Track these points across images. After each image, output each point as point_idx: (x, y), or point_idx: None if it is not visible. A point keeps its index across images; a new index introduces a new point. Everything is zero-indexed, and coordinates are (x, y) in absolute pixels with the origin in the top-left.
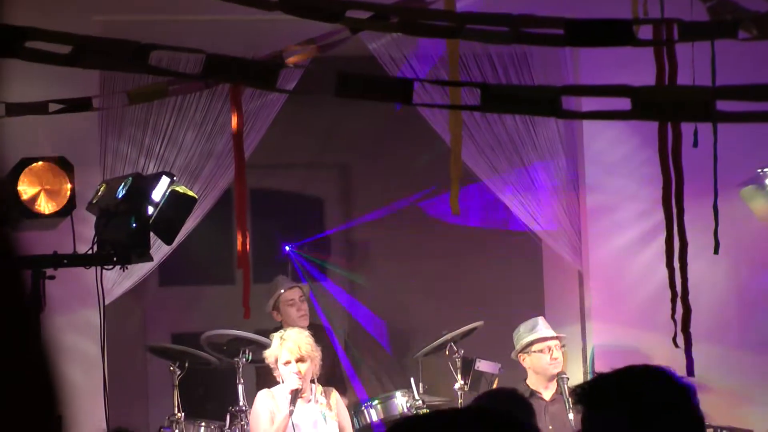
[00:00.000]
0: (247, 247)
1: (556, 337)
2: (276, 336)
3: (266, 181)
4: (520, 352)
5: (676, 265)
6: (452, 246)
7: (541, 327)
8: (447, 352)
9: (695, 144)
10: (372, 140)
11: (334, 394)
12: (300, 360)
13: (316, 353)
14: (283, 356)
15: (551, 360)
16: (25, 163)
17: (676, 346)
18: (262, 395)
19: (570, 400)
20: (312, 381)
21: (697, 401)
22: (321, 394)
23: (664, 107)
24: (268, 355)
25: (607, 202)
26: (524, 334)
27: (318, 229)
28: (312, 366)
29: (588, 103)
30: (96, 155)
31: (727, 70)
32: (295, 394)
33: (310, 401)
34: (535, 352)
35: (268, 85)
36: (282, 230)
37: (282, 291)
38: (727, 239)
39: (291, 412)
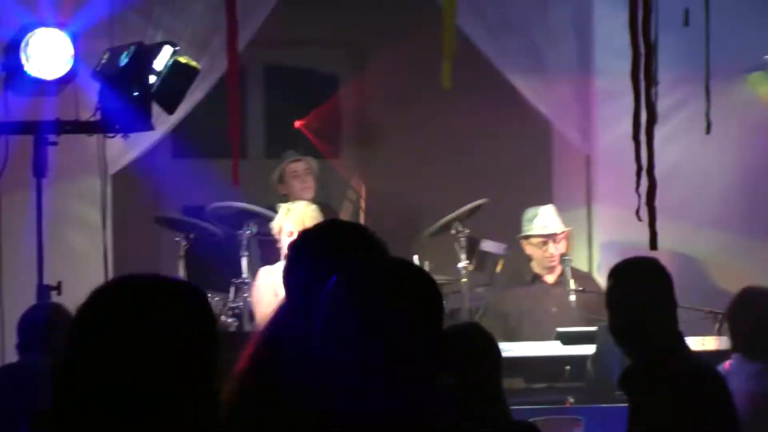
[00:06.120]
0: (237, 118)
1: (551, 235)
2: (283, 206)
3: (281, 57)
4: (521, 238)
5: (643, 138)
6: (461, 128)
7: (541, 220)
8: (453, 232)
9: (686, 22)
10: (387, 19)
11: None
12: None
13: None
14: (286, 227)
15: (547, 254)
16: (30, 29)
17: (639, 219)
18: (263, 271)
19: (571, 281)
20: None
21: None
22: None
23: None
24: (273, 224)
25: (617, 85)
26: (525, 221)
27: (331, 106)
28: None
29: None
30: (103, 24)
31: None
32: None
33: None
34: (532, 243)
35: None
36: (295, 107)
37: (287, 162)
38: (734, 125)
39: None
